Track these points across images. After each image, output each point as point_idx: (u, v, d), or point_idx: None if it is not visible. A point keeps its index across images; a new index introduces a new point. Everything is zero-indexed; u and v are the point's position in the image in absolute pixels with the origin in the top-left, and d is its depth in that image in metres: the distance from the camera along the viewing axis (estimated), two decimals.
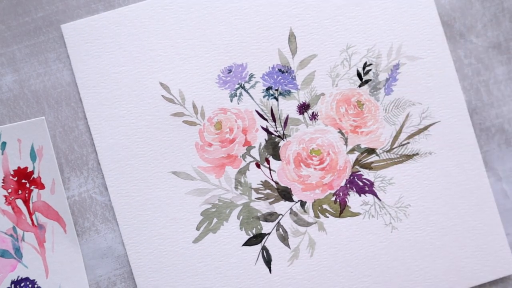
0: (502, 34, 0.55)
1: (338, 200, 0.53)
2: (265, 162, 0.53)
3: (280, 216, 0.53)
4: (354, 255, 0.53)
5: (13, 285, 0.52)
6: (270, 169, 0.53)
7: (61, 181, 0.53)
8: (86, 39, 0.53)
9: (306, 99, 0.53)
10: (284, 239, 0.53)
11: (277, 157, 0.53)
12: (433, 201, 0.53)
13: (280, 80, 0.53)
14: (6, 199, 0.52)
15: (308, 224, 0.53)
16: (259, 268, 0.52)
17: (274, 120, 0.53)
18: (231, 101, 0.53)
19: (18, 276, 0.52)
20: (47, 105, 0.53)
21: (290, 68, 0.53)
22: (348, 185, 0.53)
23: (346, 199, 0.53)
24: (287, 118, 0.53)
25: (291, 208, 0.53)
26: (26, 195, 0.52)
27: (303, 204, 0.53)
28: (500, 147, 0.55)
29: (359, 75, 0.54)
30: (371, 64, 0.54)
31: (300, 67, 0.53)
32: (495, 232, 0.53)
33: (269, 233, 0.53)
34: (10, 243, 0.52)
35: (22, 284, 0.52)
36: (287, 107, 0.53)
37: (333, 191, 0.53)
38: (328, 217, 0.53)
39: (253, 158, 0.53)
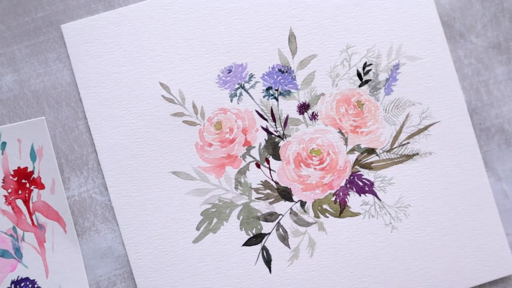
0: (502, 34, 0.55)
1: (338, 200, 0.53)
2: (265, 162, 0.53)
3: (280, 216, 0.53)
4: (354, 255, 0.53)
5: (13, 285, 0.52)
6: (270, 169, 0.53)
7: (61, 181, 0.53)
8: (86, 39, 0.53)
9: (306, 99, 0.53)
10: (284, 239, 0.53)
11: (277, 157, 0.53)
12: (433, 201, 0.53)
13: (280, 80, 0.53)
14: (6, 199, 0.52)
15: (308, 224, 0.53)
16: (259, 268, 0.52)
17: (274, 120, 0.53)
18: (231, 101, 0.53)
19: (18, 276, 0.52)
20: (47, 105, 0.53)
21: (290, 68, 0.53)
22: (348, 185, 0.53)
23: (346, 199, 0.53)
24: (287, 118, 0.53)
25: (291, 208, 0.53)
26: (26, 195, 0.52)
27: (303, 204, 0.53)
28: (500, 147, 0.55)
29: (359, 75, 0.54)
30: (371, 64, 0.54)
31: (300, 67, 0.53)
32: (495, 232, 0.53)
33: (269, 233, 0.53)
34: (10, 243, 0.52)
35: (22, 284, 0.52)
36: (287, 107, 0.53)
37: (333, 191, 0.53)
38: (328, 217, 0.53)
39: (253, 158, 0.53)
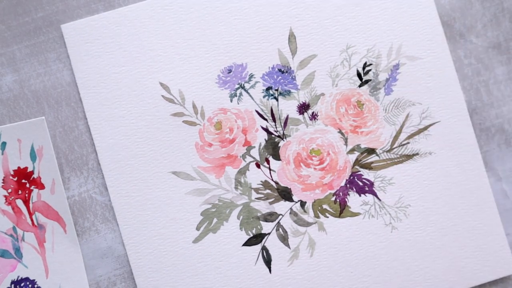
0: (502, 34, 0.55)
1: (338, 200, 0.53)
2: (265, 162, 0.53)
3: (280, 216, 0.53)
4: (354, 255, 0.53)
5: (13, 285, 0.52)
6: (270, 169, 0.53)
7: (61, 181, 0.53)
8: (86, 39, 0.53)
9: (306, 99, 0.53)
10: (284, 239, 0.53)
11: (277, 157, 0.53)
12: (433, 201, 0.53)
13: (280, 80, 0.53)
14: (6, 199, 0.52)
15: (308, 224, 0.53)
16: (259, 268, 0.52)
17: (274, 120, 0.53)
18: (231, 101, 0.53)
19: (18, 276, 0.52)
20: (47, 105, 0.53)
21: (290, 68, 0.53)
22: (348, 185, 0.53)
23: (346, 199, 0.53)
24: (287, 118, 0.53)
25: (291, 208, 0.53)
26: (26, 195, 0.52)
27: (303, 204, 0.53)
28: (500, 147, 0.55)
29: (359, 75, 0.54)
30: (371, 64, 0.54)
31: (300, 67, 0.53)
32: (495, 232, 0.53)
33: (269, 233, 0.53)
34: (10, 243, 0.52)
35: (22, 284, 0.52)
36: (287, 107, 0.53)
37: (333, 191, 0.53)
38: (328, 217, 0.53)
39: (253, 158, 0.53)
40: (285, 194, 0.53)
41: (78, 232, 0.53)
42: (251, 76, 0.53)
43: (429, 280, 0.52)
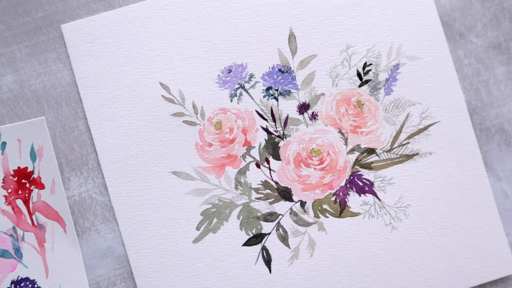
0: (502, 34, 0.55)
1: (338, 200, 0.53)
2: (265, 162, 0.53)
3: (280, 216, 0.53)
4: (354, 255, 0.53)
5: (13, 285, 0.52)
6: (270, 169, 0.53)
7: (61, 181, 0.53)
8: (86, 39, 0.53)
9: (306, 99, 0.53)
10: (284, 239, 0.53)
11: (277, 157, 0.53)
12: (433, 201, 0.53)
13: (280, 80, 0.53)
14: (6, 199, 0.52)
15: (308, 224, 0.53)
16: (259, 268, 0.52)
17: (274, 120, 0.53)
18: (231, 101, 0.53)
19: (18, 276, 0.52)
20: (47, 105, 0.53)
21: (290, 68, 0.53)
22: (348, 185, 0.53)
23: (346, 199, 0.53)
24: (287, 118, 0.53)
25: (291, 208, 0.53)
26: (26, 195, 0.52)
27: (303, 204, 0.53)
28: (500, 147, 0.55)
29: (359, 75, 0.54)
30: (371, 64, 0.54)
31: (300, 67, 0.53)
32: (495, 232, 0.53)
33: (269, 233, 0.53)
34: (10, 243, 0.52)
35: (22, 284, 0.52)
36: (287, 107, 0.53)
37: (333, 191, 0.53)
38: (328, 217, 0.53)
39: (253, 158, 0.53)
40: (285, 194, 0.53)
41: (78, 232, 0.53)
42: (251, 76, 0.53)
43: (429, 280, 0.52)
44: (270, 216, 0.53)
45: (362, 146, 0.53)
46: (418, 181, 0.53)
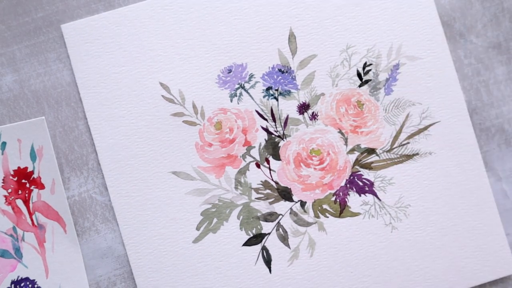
0: (502, 34, 0.55)
1: (338, 200, 0.53)
2: (265, 162, 0.53)
3: (280, 216, 0.53)
4: (354, 255, 0.53)
5: (13, 285, 0.52)
6: (270, 169, 0.53)
7: (61, 181, 0.53)
8: (86, 39, 0.53)
9: (306, 99, 0.53)
10: (284, 239, 0.53)
11: (277, 157, 0.53)
12: (433, 201, 0.53)
13: (280, 80, 0.53)
14: (6, 199, 0.52)
15: (308, 224, 0.53)
16: (259, 268, 0.52)
17: (274, 120, 0.53)
18: (231, 101, 0.53)
19: (18, 276, 0.52)
20: (47, 105, 0.53)
21: (290, 68, 0.53)
22: (348, 185, 0.53)
23: (346, 199, 0.53)
24: (287, 118, 0.53)
25: (291, 208, 0.53)
26: (26, 195, 0.52)
27: (303, 204, 0.53)
28: (500, 147, 0.55)
29: (359, 75, 0.54)
30: (371, 64, 0.54)
31: (300, 67, 0.53)
32: (495, 232, 0.53)
33: (269, 233, 0.53)
34: (10, 243, 0.52)
35: (22, 284, 0.52)
36: (287, 107, 0.53)
37: (333, 191, 0.53)
38: (328, 217, 0.53)
39: (253, 158, 0.53)
40: (285, 194, 0.53)
41: (78, 232, 0.53)
42: (251, 76, 0.53)
43: (429, 280, 0.52)
44: (270, 216, 0.53)
45: (362, 146, 0.53)
46: (418, 181, 0.53)
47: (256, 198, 0.53)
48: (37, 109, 0.53)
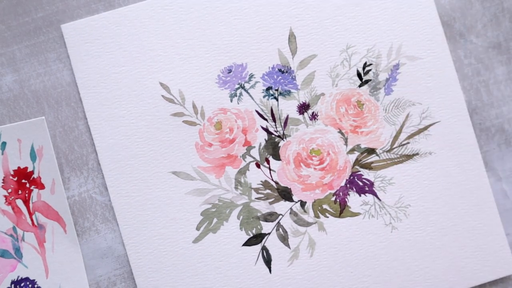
0: (502, 34, 0.55)
1: (338, 200, 0.53)
2: (265, 162, 0.53)
3: (280, 216, 0.53)
4: (354, 255, 0.53)
5: (13, 285, 0.52)
6: (270, 169, 0.53)
7: (61, 181, 0.53)
8: (86, 39, 0.53)
9: (306, 99, 0.53)
10: (284, 239, 0.53)
11: (277, 157, 0.53)
12: (433, 201, 0.53)
13: (280, 80, 0.53)
14: (6, 199, 0.52)
15: (308, 224, 0.53)
16: (259, 268, 0.52)
17: (274, 120, 0.53)
18: (231, 101, 0.53)
19: (18, 276, 0.52)
20: (47, 105, 0.53)
21: (290, 68, 0.53)
22: (348, 185, 0.53)
23: (346, 199, 0.53)
24: (287, 118, 0.53)
25: (291, 208, 0.53)
26: (26, 195, 0.52)
27: (303, 204, 0.53)
28: (500, 147, 0.55)
29: (359, 75, 0.54)
30: (371, 64, 0.54)
31: (300, 67, 0.53)
32: (495, 232, 0.53)
33: (269, 233, 0.53)
34: (10, 243, 0.52)
35: (22, 284, 0.52)
36: (287, 107, 0.53)
37: (333, 191, 0.53)
38: (328, 217, 0.53)
39: (253, 158, 0.53)
40: (285, 194, 0.53)
41: (78, 232, 0.53)
42: (251, 76, 0.53)
43: (429, 280, 0.52)
44: (270, 216, 0.53)
45: (362, 146, 0.53)
46: (418, 181, 0.53)
47: (256, 198, 0.53)
48: (37, 109, 0.53)
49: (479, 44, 0.55)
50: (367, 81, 0.54)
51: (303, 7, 0.54)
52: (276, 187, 0.53)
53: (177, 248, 0.52)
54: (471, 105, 0.55)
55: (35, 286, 0.52)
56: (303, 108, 0.53)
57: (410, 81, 0.54)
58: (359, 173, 0.53)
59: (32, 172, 0.52)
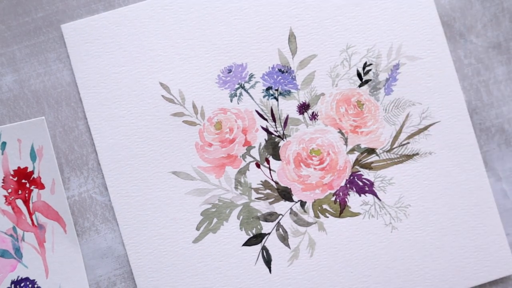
0: (502, 34, 0.55)
1: (338, 200, 0.53)
2: (265, 162, 0.53)
3: (280, 216, 0.53)
4: (354, 255, 0.53)
5: (13, 285, 0.52)
6: (270, 169, 0.53)
7: (61, 181, 0.53)
8: (86, 39, 0.53)
9: (306, 99, 0.53)
10: (284, 239, 0.53)
11: (277, 157, 0.53)
12: (433, 201, 0.53)
13: (280, 80, 0.53)
14: (6, 199, 0.52)
15: (308, 224, 0.53)
16: (259, 268, 0.52)
17: (274, 120, 0.53)
18: (231, 101, 0.53)
19: (18, 276, 0.52)
20: (47, 105, 0.53)
21: (290, 68, 0.53)
22: (348, 185, 0.53)
23: (346, 199, 0.53)
24: (287, 118, 0.53)
25: (291, 208, 0.53)
26: (26, 195, 0.52)
27: (303, 204, 0.53)
28: (500, 147, 0.55)
29: (359, 75, 0.54)
30: (371, 64, 0.54)
31: (300, 67, 0.53)
32: (495, 232, 0.53)
33: (269, 233, 0.53)
34: (10, 243, 0.52)
35: (22, 284, 0.52)
36: (287, 107, 0.53)
37: (333, 191, 0.53)
38: (328, 217, 0.53)
39: (253, 158, 0.53)
40: (285, 194, 0.53)
41: (78, 232, 0.53)
42: (251, 76, 0.53)
43: (429, 280, 0.52)
44: (270, 216, 0.53)
45: (362, 146, 0.53)
46: (418, 181, 0.53)
47: (256, 198, 0.53)
48: (37, 109, 0.53)
49: (479, 44, 0.55)
50: (367, 81, 0.54)
51: (303, 7, 0.54)
52: (276, 187, 0.53)
53: (177, 248, 0.52)
54: (471, 105, 0.55)
55: (35, 286, 0.52)
56: (303, 108, 0.53)
57: (410, 81, 0.54)
58: (359, 173, 0.53)
59: (32, 172, 0.52)
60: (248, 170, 0.53)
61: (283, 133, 0.53)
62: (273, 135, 0.53)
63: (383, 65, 0.54)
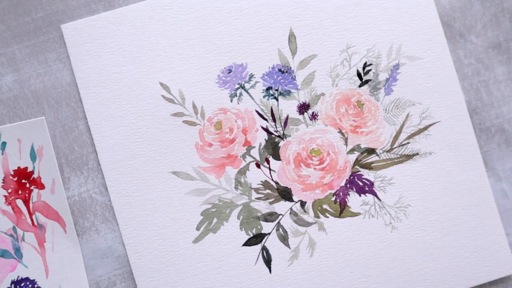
0: (502, 34, 0.55)
1: (338, 200, 0.53)
2: (265, 162, 0.53)
3: (280, 216, 0.53)
4: (354, 255, 0.53)
5: (13, 285, 0.52)
6: (270, 169, 0.53)
7: (61, 181, 0.53)
8: (86, 39, 0.53)
9: (306, 99, 0.53)
10: (284, 239, 0.53)
11: (277, 157, 0.53)
12: (433, 201, 0.53)
13: (280, 80, 0.53)
14: (6, 199, 0.52)
15: (308, 224, 0.53)
16: (259, 268, 0.52)
17: (274, 120, 0.53)
18: (231, 101, 0.53)
19: (18, 276, 0.52)
20: (47, 105, 0.53)
21: (290, 68, 0.53)
22: (348, 185, 0.53)
23: (346, 199, 0.53)
24: (287, 118, 0.53)
25: (291, 208, 0.53)
26: (26, 195, 0.52)
27: (303, 204, 0.53)
28: (500, 147, 0.55)
29: (359, 75, 0.54)
30: (371, 64, 0.54)
31: (300, 67, 0.53)
32: (495, 232, 0.53)
33: (269, 233, 0.53)
34: (10, 243, 0.52)
35: (22, 284, 0.52)
36: (287, 107, 0.53)
37: (333, 191, 0.53)
38: (328, 217, 0.53)
39: (253, 158, 0.53)
40: (285, 194, 0.53)
41: (78, 232, 0.53)
42: (251, 76, 0.53)
43: (429, 280, 0.52)
44: (270, 216, 0.53)
45: (362, 146, 0.53)
46: (418, 181, 0.53)
47: (256, 198, 0.53)
48: (37, 109, 0.53)
49: (479, 44, 0.55)
50: (367, 81, 0.54)
51: (303, 7, 0.54)
52: (276, 187, 0.53)
53: (177, 248, 0.52)
54: (471, 105, 0.55)
55: (35, 286, 0.52)
56: (303, 108, 0.53)
57: (410, 81, 0.54)
58: (359, 173, 0.53)
59: (32, 172, 0.52)
60: (248, 170, 0.53)
61: (283, 133, 0.53)
62: (273, 135, 0.53)
63: (383, 65, 0.54)
